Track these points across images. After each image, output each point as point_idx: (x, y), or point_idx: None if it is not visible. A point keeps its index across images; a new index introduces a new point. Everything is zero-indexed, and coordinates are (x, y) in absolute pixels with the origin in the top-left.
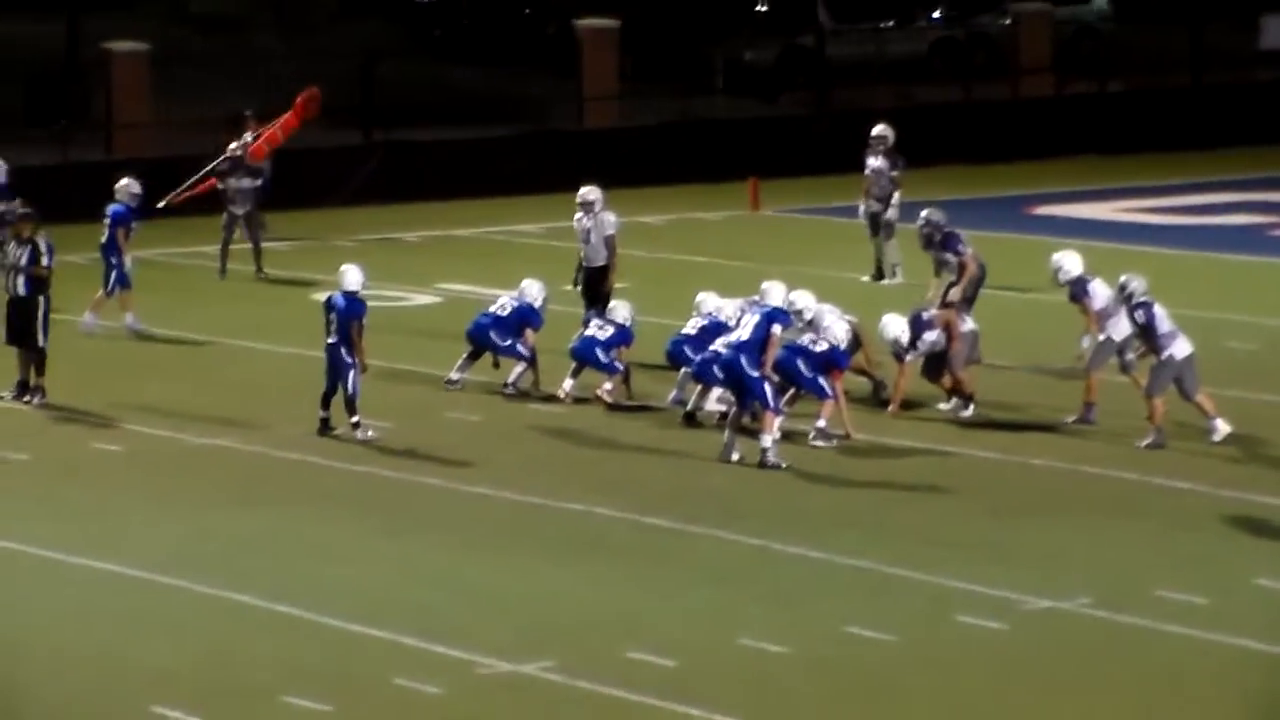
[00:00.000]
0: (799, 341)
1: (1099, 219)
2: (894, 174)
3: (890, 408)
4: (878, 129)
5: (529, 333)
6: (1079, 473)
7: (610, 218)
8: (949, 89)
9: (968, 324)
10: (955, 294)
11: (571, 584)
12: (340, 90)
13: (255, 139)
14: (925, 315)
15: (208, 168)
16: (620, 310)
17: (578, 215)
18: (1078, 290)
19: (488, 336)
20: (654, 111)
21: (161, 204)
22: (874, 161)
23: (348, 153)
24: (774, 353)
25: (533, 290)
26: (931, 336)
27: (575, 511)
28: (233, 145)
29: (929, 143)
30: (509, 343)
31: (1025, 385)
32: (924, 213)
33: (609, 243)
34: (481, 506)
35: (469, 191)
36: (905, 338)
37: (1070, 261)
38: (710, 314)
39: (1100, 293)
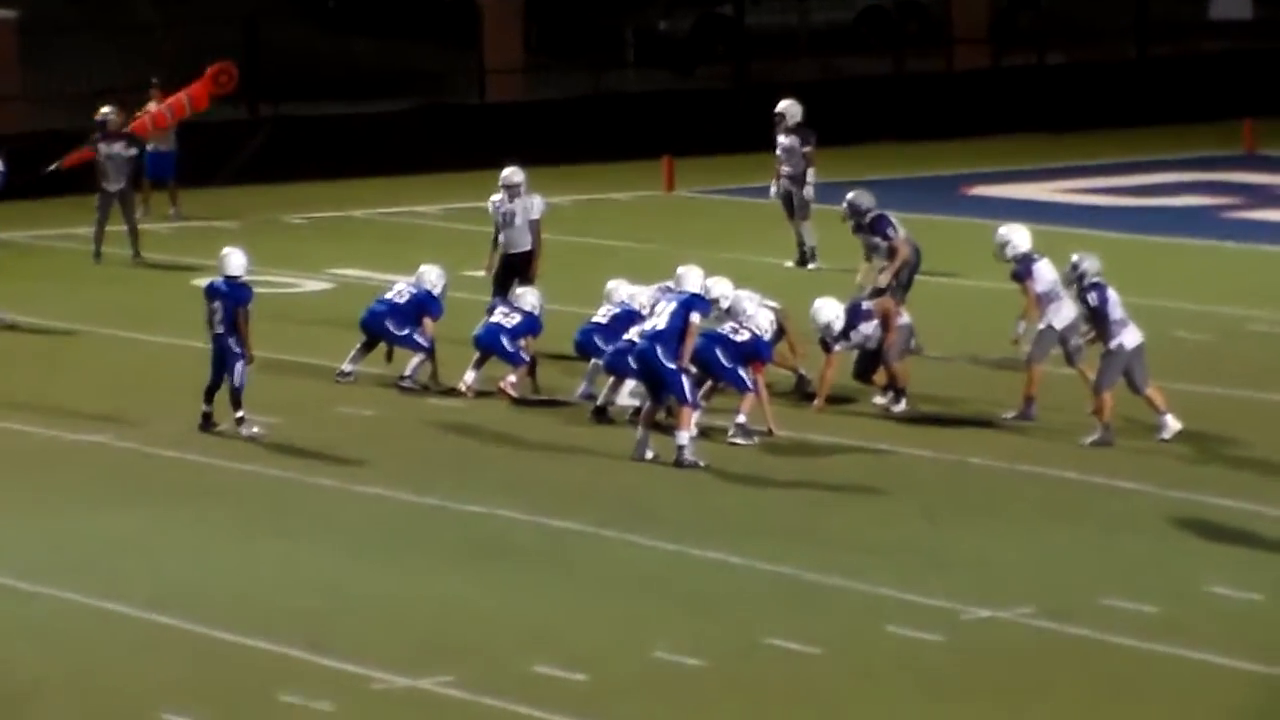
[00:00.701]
0: (718, 330)
1: (1039, 200)
2: (805, 150)
3: (816, 402)
4: (781, 104)
5: (427, 322)
6: (1018, 472)
7: (537, 201)
8: (878, 60)
9: (903, 316)
10: (884, 278)
11: (473, 592)
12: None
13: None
14: (864, 305)
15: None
16: (528, 297)
17: (496, 198)
18: (1022, 269)
19: (383, 325)
20: (561, 85)
21: (51, 168)
22: (783, 139)
23: (232, 128)
24: (692, 343)
25: (431, 276)
26: (867, 329)
27: (477, 514)
28: (138, 114)
29: (857, 119)
30: (406, 332)
31: (961, 378)
32: (849, 195)
33: (534, 228)
34: (375, 508)
35: (362, 170)
36: (838, 325)
37: (1018, 236)
38: (622, 302)
39: (1045, 275)
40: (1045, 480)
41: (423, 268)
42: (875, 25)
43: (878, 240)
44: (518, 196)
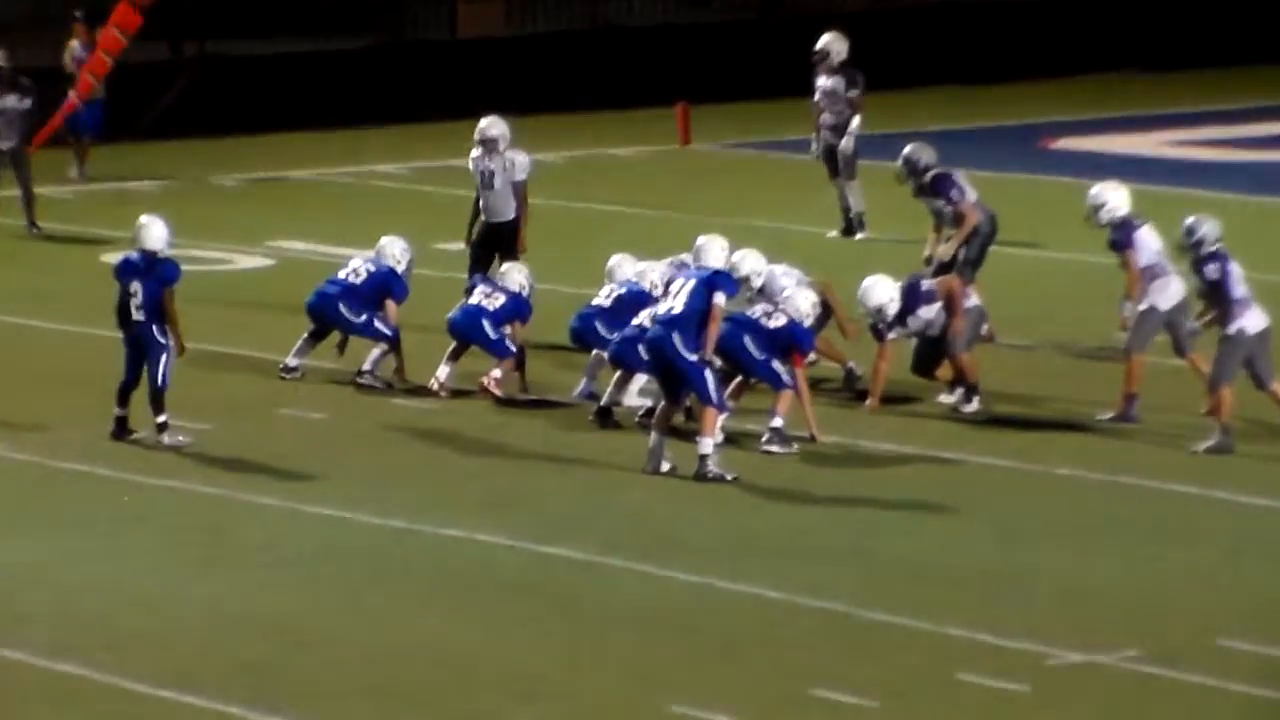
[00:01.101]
0: (748, 314)
1: (1138, 154)
2: (851, 95)
3: (869, 401)
4: (823, 39)
5: (390, 305)
6: (1117, 485)
7: (521, 158)
8: None
9: (971, 297)
10: (948, 249)
11: (447, 633)
12: None
13: (89, 52)
14: (924, 284)
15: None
16: (514, 275)
17: (475, 153)
18: (1121, 236)
19: (336, 310)
20: (549, 16)
21: None
22: (824, 81)
23: (149, 70)
24: (716, 330)
25: (394, 250)
26: (928, 314)
27: (452, 539)
28: (68, 66)
29: (913, 56)
30: (364, 318)
31: (1045, 370)
32: (905, 150)
33: (518, 191)
34: (328, 532)
35: (309, 121)
36: (893, 308)
37: (1116, 196)
38: (628, 281)
39: (1148, 244)
40: (1150, 494)
41: (383, 240)
42: None
43: (941, 204)
44: (496, 153)
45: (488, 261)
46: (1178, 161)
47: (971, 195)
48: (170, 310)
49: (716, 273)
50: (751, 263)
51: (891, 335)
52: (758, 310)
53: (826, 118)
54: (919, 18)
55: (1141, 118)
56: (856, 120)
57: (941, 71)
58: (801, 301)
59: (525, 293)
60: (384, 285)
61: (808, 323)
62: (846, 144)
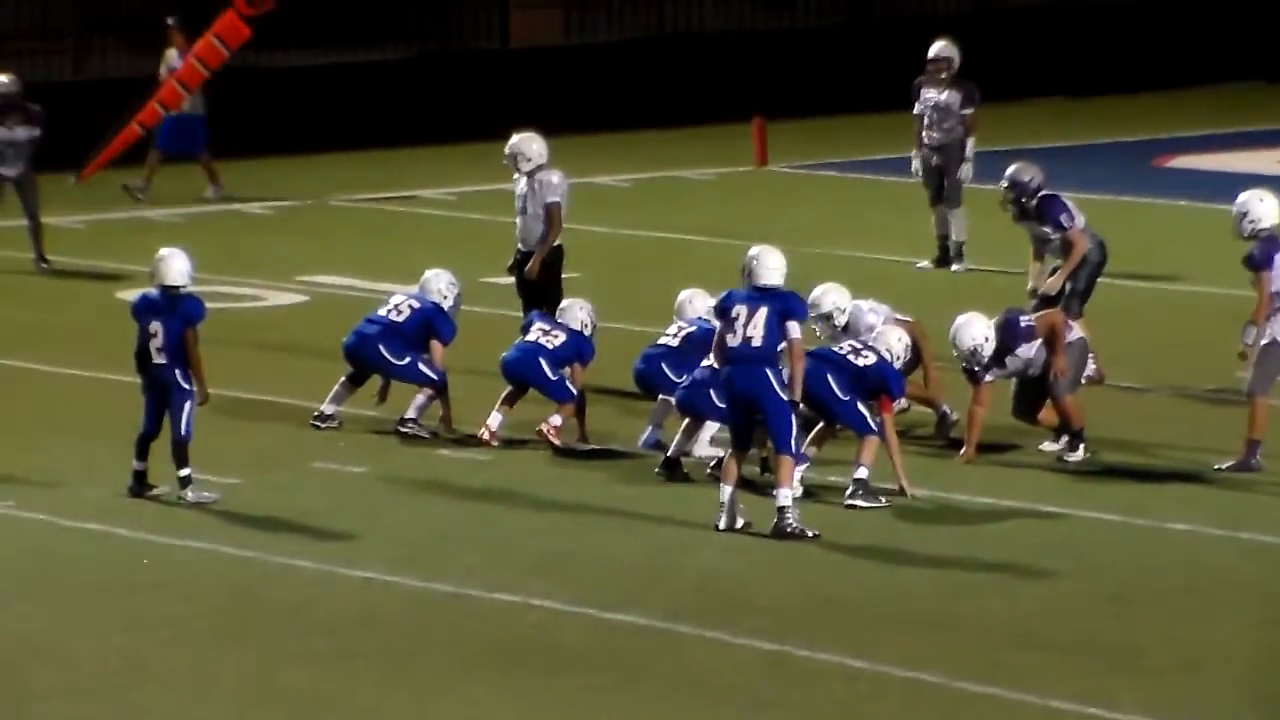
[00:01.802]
0: (834, 349)
1: (1260, 174)
2: (965, 112)
3: (964, 450)
4: (937, 47)
5: (436, 346)
6: (1238, 542)
7: (554, 179)
8: None
9: (1074, 331)
10: (1055, 282)
11: (497, 710)
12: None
13: (181, 60)
14: (1023, 320)
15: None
16: (574, 311)
17: (516, 175)
18: (1259, 253)
19: (376, 352)
20: (612, 23)
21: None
22: (934, 95)
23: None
24: (802, 366)
25: (440, 284)
26: (1027, 352)
27: (506, 604)
28: (163, 70)
29: (1015, 66)
30: (407, 360)
31: (1159, 414)
32: (1009, 170)
33: (550, 214)
34: (368, 597)
35: (345, 140)
36: (987, 349)
37: (1262, 207)
38: (699, 319)
39: None
40: (1273, 551)
41: (428, 273)
42: None
43: (1047, 230)
44: (530, 173)
45: (537, 296)
46: None
47: (1080, 220)
48: (194, 353)
49: (786, 296)
50: (834, 298)
51: (988, 377)
52: (844, 346)
53: (934, 135)
54: (1023, 22)
55: (1264, 133)
56: (971, 142)
57: (1047, 82)
58: (892, 339)
59: (587, 331)
60: (429, 323)
61: (898, 363)
62: (966, 172)
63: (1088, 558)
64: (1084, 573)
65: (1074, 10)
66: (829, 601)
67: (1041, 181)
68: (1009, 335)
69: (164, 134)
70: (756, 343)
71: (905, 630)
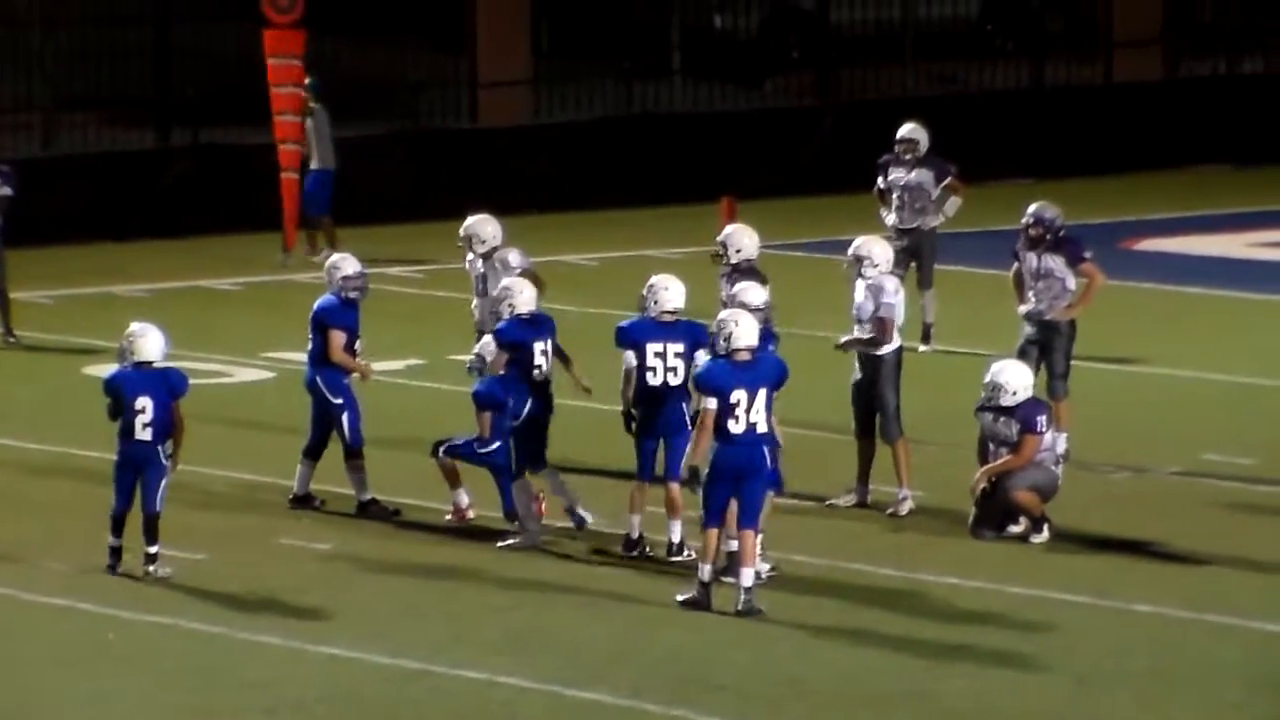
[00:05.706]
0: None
1: (1227, 257)
2: (945, 183)
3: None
4: (906, 129)
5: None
6: (1205, 623)
7: (513, 259)
8: (1010, 69)
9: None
10: (1073, 312)
11: None
12: (128, 76)
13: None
14: (1042, 417)
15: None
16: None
17: (468, 256)
18: None
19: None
20: (582, 103)
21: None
22: (903, 175)
23: (138, 159)
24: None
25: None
26: (1009, 433)
27: (472, 681)
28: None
29: (981, 147)
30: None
31: (1126, 497)
32: (1032, 207)
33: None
34: (334, 673)
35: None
36: (1007, 398)
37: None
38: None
39: None
40: (1244, 635)
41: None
42: (1006, 22)
43: (1052, 265)
44: (485, 255)
45: None
46: (1269, 265)
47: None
48: (180, 426)
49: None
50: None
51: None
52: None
53: (904, 215)
54: (989, 106)
55: (1229, 216)
56: (954, 202)
57: (1014, 164)
58: None
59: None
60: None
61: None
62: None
63: (1054, 638)
64: (1050, 653)
65: (1042, 94)
66: (793, 680)
67: (1063, 222)
68: (1025, 412)
69: (309, 194)
70: (761, 428)
71: (869, 709)
